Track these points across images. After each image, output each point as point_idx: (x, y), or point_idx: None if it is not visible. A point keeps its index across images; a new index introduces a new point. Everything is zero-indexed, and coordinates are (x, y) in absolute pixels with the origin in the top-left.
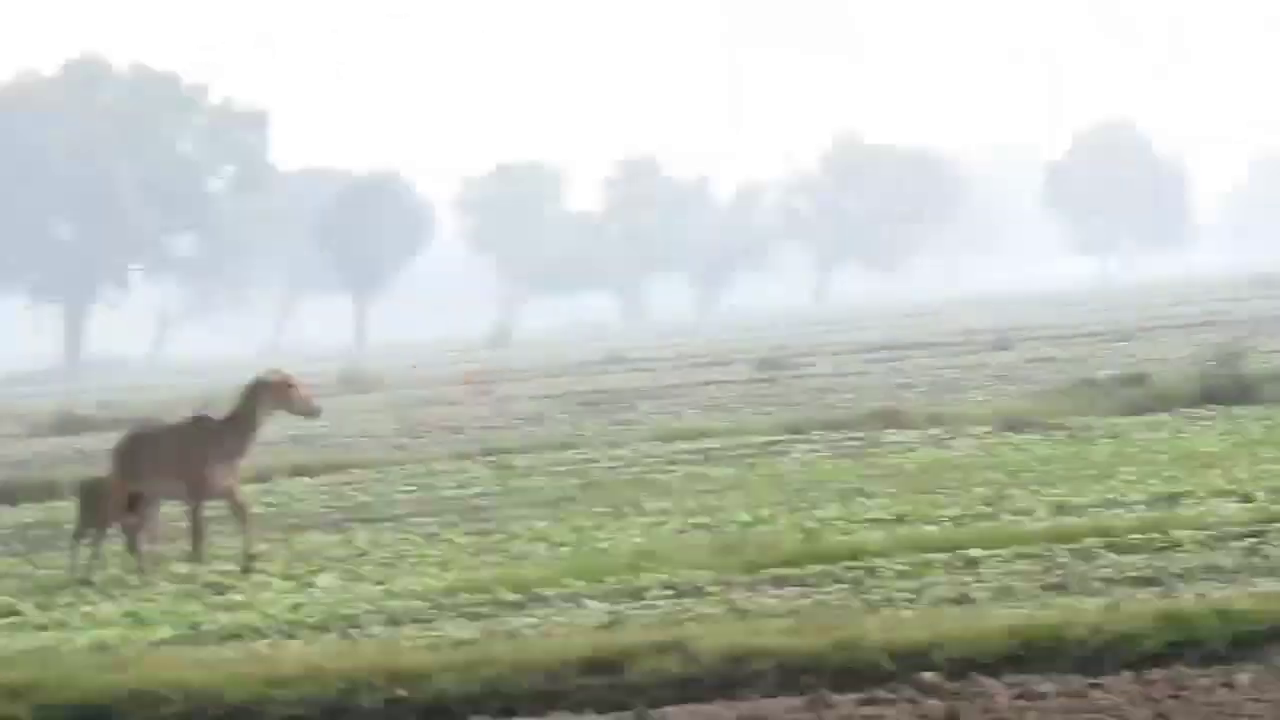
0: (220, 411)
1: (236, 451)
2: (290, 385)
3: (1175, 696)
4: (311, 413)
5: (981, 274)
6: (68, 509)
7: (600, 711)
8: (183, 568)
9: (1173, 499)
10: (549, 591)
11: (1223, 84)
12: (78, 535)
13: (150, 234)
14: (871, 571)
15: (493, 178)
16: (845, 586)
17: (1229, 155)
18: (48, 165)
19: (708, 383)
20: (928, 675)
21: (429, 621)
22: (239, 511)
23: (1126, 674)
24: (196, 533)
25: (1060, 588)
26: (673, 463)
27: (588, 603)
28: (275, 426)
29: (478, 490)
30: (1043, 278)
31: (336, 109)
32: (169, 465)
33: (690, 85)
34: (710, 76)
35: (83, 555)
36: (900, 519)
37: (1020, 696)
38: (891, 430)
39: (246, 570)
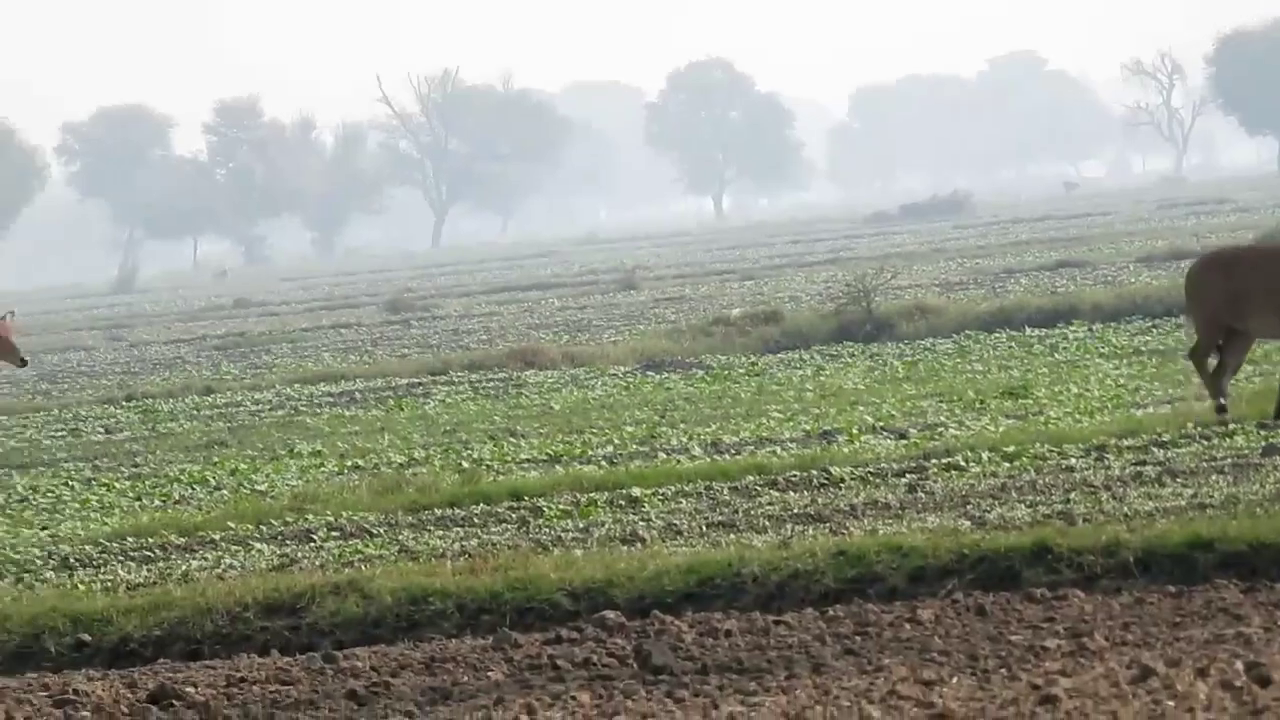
0: None
1: None
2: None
3: (861, 632)
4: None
5: (594, 214)
6: None
7: (285, 653)
8: None
9: (826, 436)
10: (215, 534)
11: (815, 19)
12: None
13: None
14: (535, 511)
15: (95, 122)
16: (511, 526)
17: (829, 91)
18: None
19: (339, 325)
20: (609, 614)
21: (100, 566)
22: None
23: (809, 611)
24: None
25: (728, 526)
26: (317, 405)
27: (256, 545)
28: None
29: (127, 435)
30: (656, 218)
31: None
32: None
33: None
34: (307, 15)
35: None
36: (555, 458)
37: (706, 634)
38: (531, 370)
39: None
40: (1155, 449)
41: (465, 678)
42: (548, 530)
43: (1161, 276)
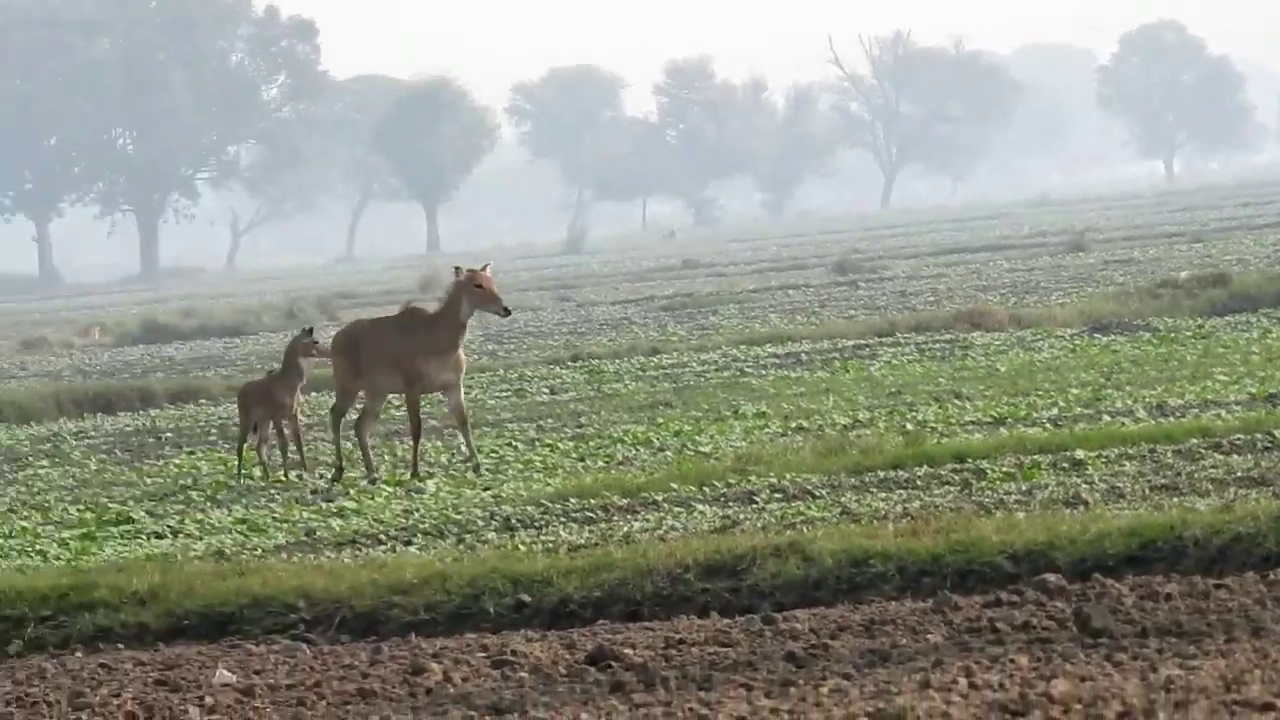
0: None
1: (446, 346)
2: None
3: None
4: (503, 312)
5: (1044, 177)
6: (165, 416)
7: (725, 614)
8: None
9: (1272, 399)
10: (658, 496)
11: None
12: (242, 440)
13: (212, 144)
14: (978, 473)
15: (546, 83)
16: (953, 489)
17: None
18: (103, 78)
19: (786, 287)
20: (1050, 577)
21: (542, 527)
22: (456, 409)
23: (1250, 574)
24: (414, 431)
25: (1170, 488)
26: (762, 366)
27: (699, 507)
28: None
29: (572, 395)
30: (1105, 180)
31: (383, 18)
32: (389, 357)
33: None
34: None
35: (249, 459)
36: (999, 421)
37: (1146, 597)
38: (978, 332)
39: (477, 469)
40: None
41: (904, 640)
42: (990, 492)
43: None
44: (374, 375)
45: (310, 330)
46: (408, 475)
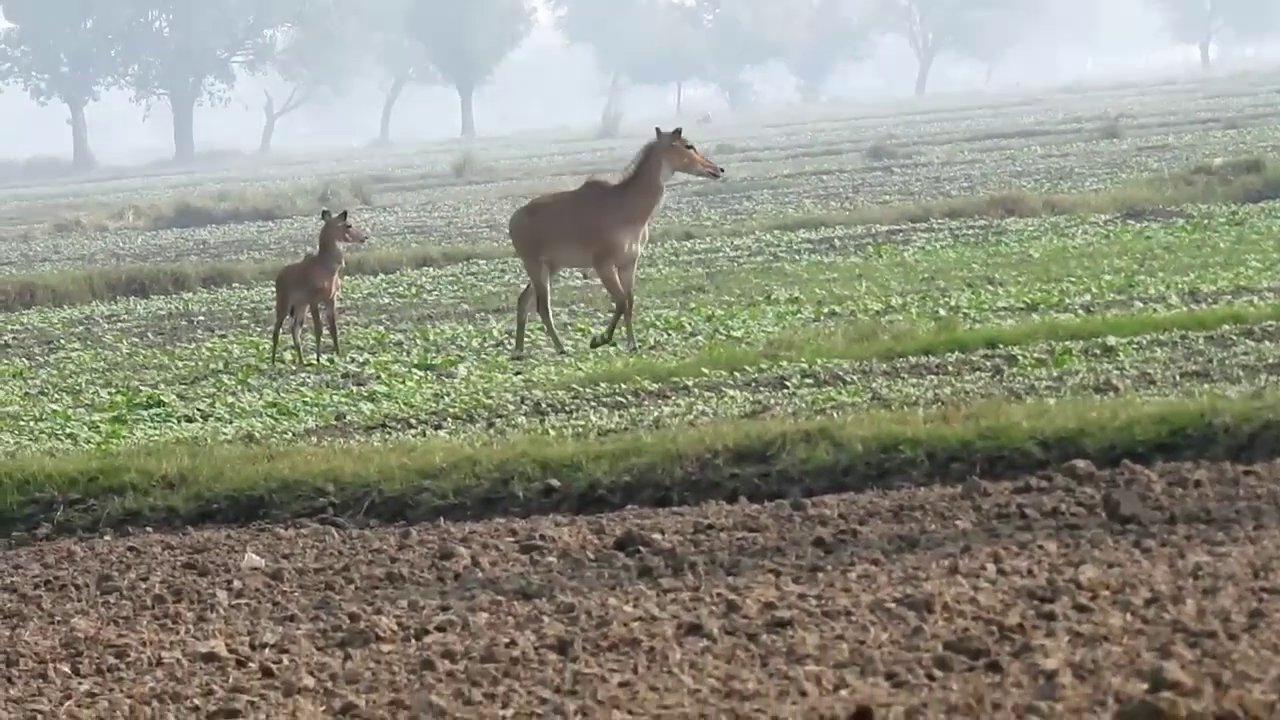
0: (616, 177)
1: (639, 215)
2: (687, 147)
3: None
4: (715, 173)
5: (1079, 63)
6: (197, 300)
7: (754, 500)
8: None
9: None
10: (688, 381)
11: None
12: (278, 324)
13: (248, 27)
14: (1009, 359)
15: None
16: (985, 375)
17: None
18: None
19: (820, 172)
20: (1079, 463)
21: (572, 411)
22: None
23: (1279, 461)
24: (618, 304)
25: (1202, 375)
26: (796, 251)
27: (729, 392)
28: (395, 218)
29: None
30: (1139, 67)
31: None
32: (574, 231)
33: None
34: None
35: (284, 342)
36: (1032, 306)
37: (1175, 484)
38: (1011, 218)
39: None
40: None
41: (933, 526)
42: (1021, 379)
43: None
44: (556, 251)
45: (344, 214)
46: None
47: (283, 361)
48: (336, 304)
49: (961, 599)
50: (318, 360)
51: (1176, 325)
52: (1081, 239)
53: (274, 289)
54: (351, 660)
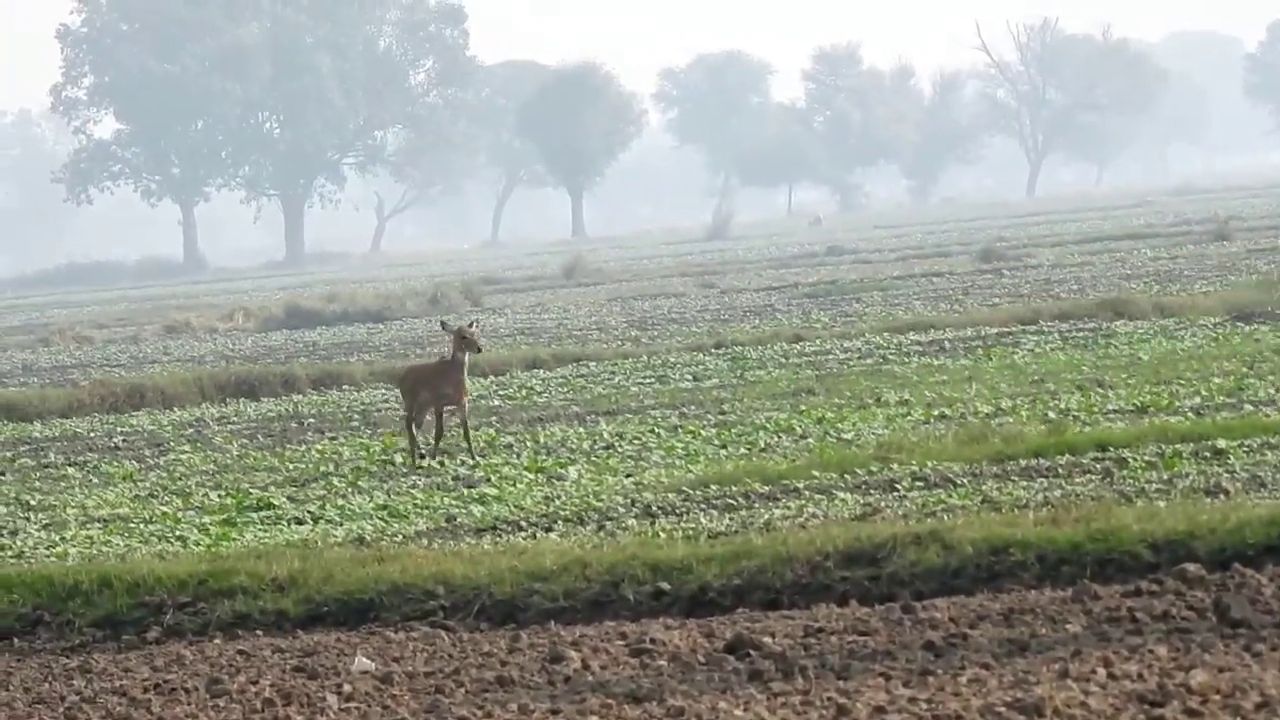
0: None
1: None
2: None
3: None
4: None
5: (1189, 164)
6: (307, 401)
7: (864, 603)
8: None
9: None
10: (799, 483)
11: None
12: (410, 419)
13: (358, 128)
14: (1119, 462)
15: (693, 69)
16: (1095, 477)
17: None
18: (249, 61)
19: (930, 274)
20: (1190, 566)
21: (682, 514)
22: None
23: None
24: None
25: None
26: (905, 354)
27: (840, 494)
28: (505, 319)
29: (714, 382)
30: (1251, 168)
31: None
32: None
33: None
34: None
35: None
36: (1142, 409)
37: None
38: (1121, 320)
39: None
40: None
41: (1043, 630)
42: (1131, 482)
43: None
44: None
45: (473, 324)
46: (548, 463)
47: (392, 463)
48: (468, 407)
49: (1072, 703)
50: (430, 462)
51: None
52: (1190, 341)
53: (399, 389)
54: None
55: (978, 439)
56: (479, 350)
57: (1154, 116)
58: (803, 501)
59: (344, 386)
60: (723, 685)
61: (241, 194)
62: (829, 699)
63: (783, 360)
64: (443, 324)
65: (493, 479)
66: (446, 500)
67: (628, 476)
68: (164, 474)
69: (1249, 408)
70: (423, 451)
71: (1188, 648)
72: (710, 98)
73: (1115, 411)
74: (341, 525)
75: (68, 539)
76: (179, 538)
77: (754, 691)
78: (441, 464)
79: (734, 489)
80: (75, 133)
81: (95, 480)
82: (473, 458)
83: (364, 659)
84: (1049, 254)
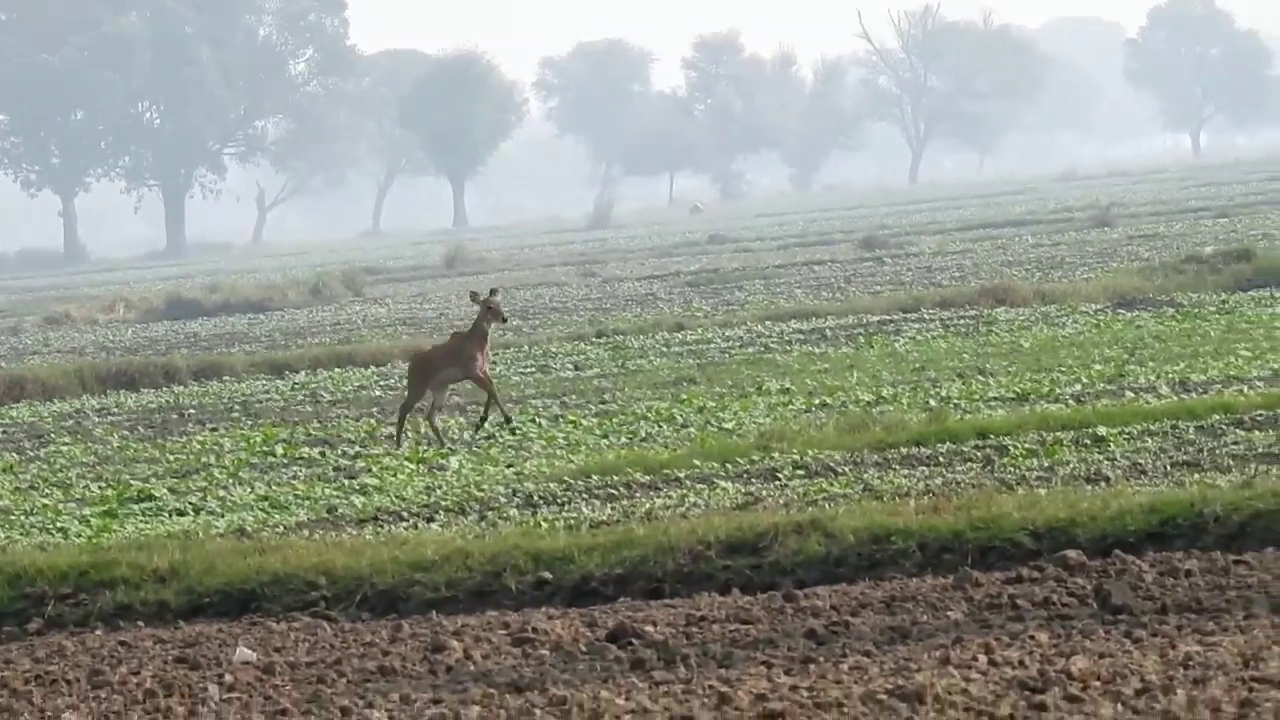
0: None
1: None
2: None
3: None
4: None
5: (1072, 151)
6: (188, 393)
7: (746, 592)
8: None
9: None
10: (681, 473)
11: None
12: (409, 407)
13: (239, 118)
14: (1000, 450)
15: (574, 58)
16: (976, 465)
17: None
18: (130, 51)
19: (812, 262)
20: (1071, 553)
21: (564, 503)
22: None
23: (1270, 550)
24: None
25: (1192, 465)
26: (787, 342)
27: (721, 483)
28: (386, 309)
29: (596, 371)
30: (1133, 155)
31: None
32: None
33: None
34: None
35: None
36: (1023, 397)
37: (1166, 573)
38: (1002, 308)
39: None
40: None
41: (924, 617)
42: (1012, 469)
43: None
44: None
45: (494, 291)
46: (429, 451)
47: (273, 454)
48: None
49: (953, 690)
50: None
51: (1167, 415)
52: (1072, 328)
53: (413, 372)
54: None
55: (859, 427)
56: (504, 321)
57: (1036, 103)
58: (684, 491)
59: (225, 377)
60: (605, 674)
61: (122, 184)
62: (711, 687)
63: (664, 349)
64: (472, 295)
65: (374, 469)
66: (328, 491)
67: (509, 466)
68: (44, 466)
69: (1130, 395)
70: (428, 440)
71: (1068, 634)
72: (591, 86)
73: (996, 399)
74: (223, 516)
75: None
76: (60, 529)
77: (636, 680)
78: (512, 429)
79: (616, 478)
80: None
81: None
82: (509, 421)
83: (245, 649)
84: (931, 241)
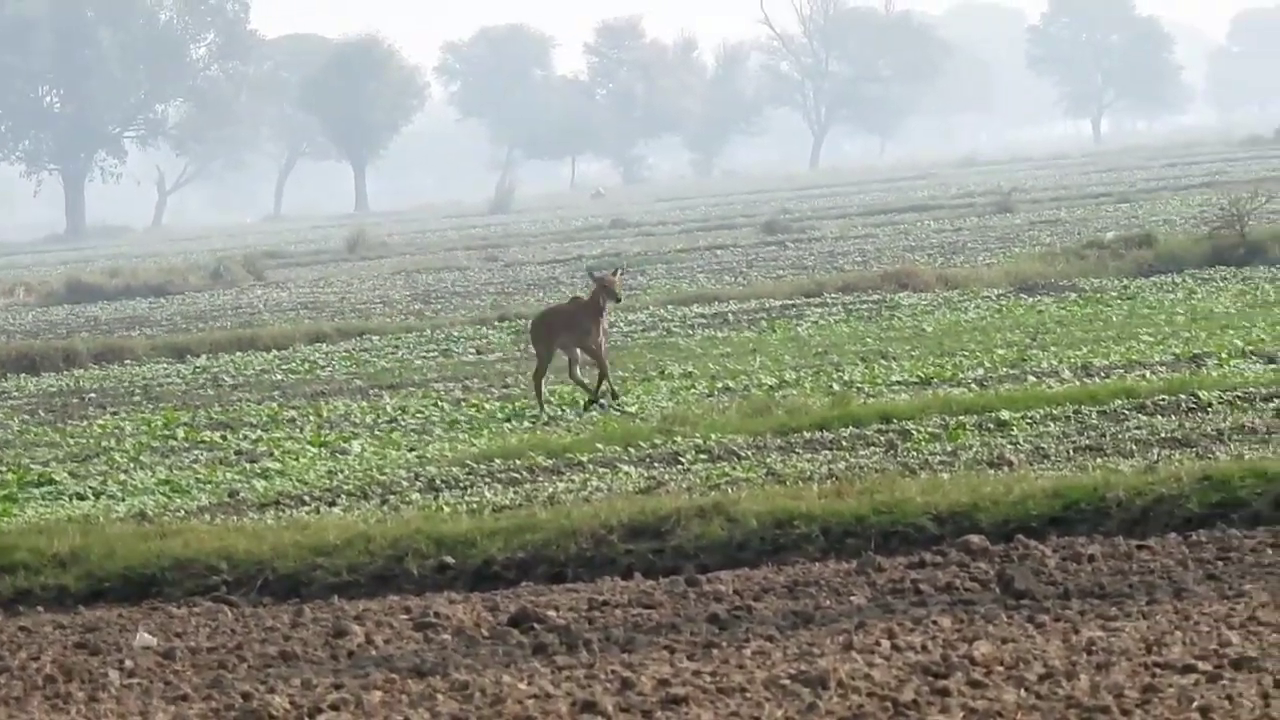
0: None
1: None
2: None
3: (1223, 558)
4: None
5: (973, 136)
6: (89, 377)
7: (648, 576)
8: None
9: (1195, 360)
10: (583, 457)
11: None
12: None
13: (139, 102)
14: (903, 434)
15: (476, 42)
16: (879, 449)
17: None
18: (30, 34)
19: (714, 247)
20: (974, 538)
21: (466, 487)
22: None
23: (1172, 536)
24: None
25: (1095, 449)
26: (689, 326)
27: (624, 468)
28: (288, 293)
29: (498, 355)
30: (1035, 140)
31: None
32: None
33: None
34: None
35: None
36: (925, 381)
37: (1069, 558)
38: (905, 292)
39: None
40: None
41: (827, 602)
42: (915, 453)
43: None
44: None
45: (617, 271)
46: (331, 436)
47: (174, 438)
48: (606, 349)
49: (856, 675)
50: (605, 402)
51: (1069, 400)
52: (974, 313)
53: (534, 336)
54: None
55: (762, 411)
56: (618, 300)
57: (938, 89)
58: (587, 475)
59: (126, 361)
60: (507, 659)
61: (22, 168)
62: (613, 672)
63: None
64: (589, 271)
65: (275, 453)
66: (229, 475)
67: (411, 450)
68: None
69: (1032, 379)
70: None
71: (971, 619)
72: (493, 71)
73: (899, 383)
74: (123, 500)
75: None
76: None
77: (538, 665)
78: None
79: (518, 462)
80: None
81: None
82: (615, 397)
83: (146, 634)
84: (833, 226)
